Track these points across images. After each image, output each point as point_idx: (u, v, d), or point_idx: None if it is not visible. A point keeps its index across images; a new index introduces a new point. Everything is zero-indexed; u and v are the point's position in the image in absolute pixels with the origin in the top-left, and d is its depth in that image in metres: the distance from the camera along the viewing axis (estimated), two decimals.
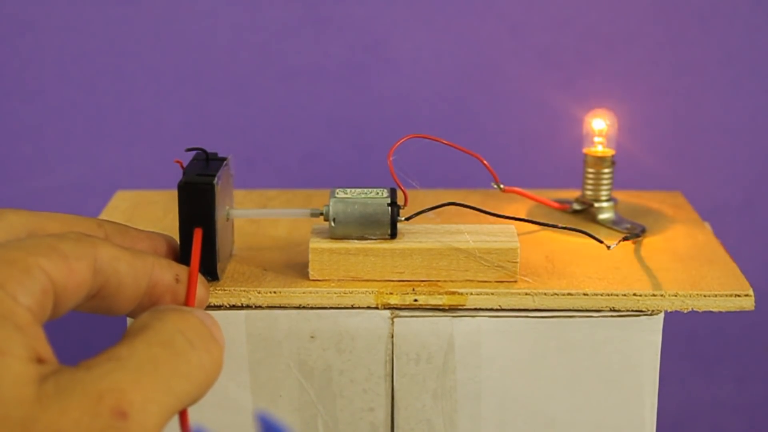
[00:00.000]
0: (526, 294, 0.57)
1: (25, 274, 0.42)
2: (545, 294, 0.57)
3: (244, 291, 0.57)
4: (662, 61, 0.85)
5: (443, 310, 0.57)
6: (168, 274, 0.50)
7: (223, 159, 0.58)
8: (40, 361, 0.40)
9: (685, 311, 0.57)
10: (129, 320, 0.57)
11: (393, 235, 0.58)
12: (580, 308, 0.57)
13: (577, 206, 0.68)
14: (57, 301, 0.43)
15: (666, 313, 0.57)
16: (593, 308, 0.57)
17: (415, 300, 0.57)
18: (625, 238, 0.63)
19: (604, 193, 0.67)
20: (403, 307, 0.57)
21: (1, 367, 0.39)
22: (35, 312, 0.42)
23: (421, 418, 0.59)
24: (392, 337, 0.58)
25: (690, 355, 0.91)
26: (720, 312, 0.57)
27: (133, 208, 0.69)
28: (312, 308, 0.57)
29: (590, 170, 0.68)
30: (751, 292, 0.57)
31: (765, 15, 0.84)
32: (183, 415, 0.45)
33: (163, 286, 0.49)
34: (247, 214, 0.62)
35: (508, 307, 0.57)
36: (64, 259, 0.44)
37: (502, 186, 0.64)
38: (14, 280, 0.41)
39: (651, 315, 0.57)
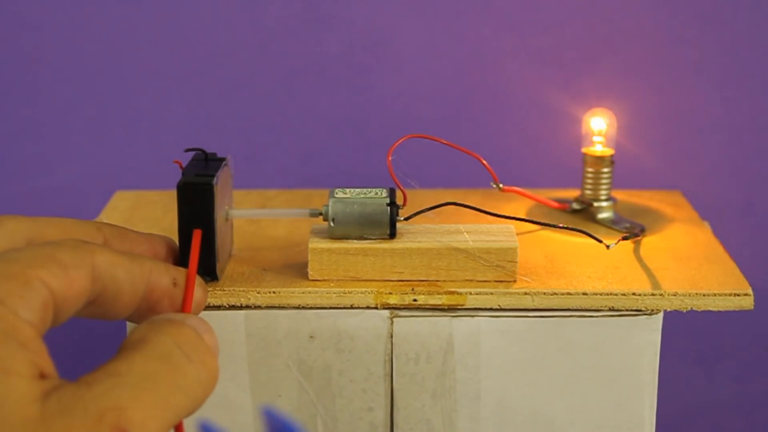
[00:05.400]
0: (526, 294, 0.57)
1: (25, 288, 0.42)
2: (544, 294, 0.57)
3: (244, 291, 0.57)
4: (662, 61, 0.85)
5: (442, 310, 0.57)
6: (165, 278, 0.50)
7: (222, 159, 0.58)
8: (42, 376, 0.41)
9: (685, 311, 0.57)
10: (128, 324, 0.57)
11: (392, 235, 0.58)
12: (580, 308, 0.57)
13: (576, 206, 0.68)
14: (56, 311, 0.43)
15: (665, 312, 0.57)
16: (592, 308, 0.57)
17: (415, 300, 0.57)
18: (625, 238, 0.63)
19: (603, 192, 0.67)
20: (402, 307, 0.57)
21: (6, 387, 0.39)
22: (36, 326, 0.42)
23: (420, 418, 0.59)
24: (391, 336, 0.58)
25: (689, 354, 0.91)
26: (719, 311, 0.57)
27: (132, 209, 0.69)
28: (311, 308, 0.57)
29: (589, 170, 0.68)
30: (750, 291, 0.57)
31: (765, 15, 0.84)
32: (179, 428, 0.46)
33: (161, 290, 0.50)
34: (247, 214, 0.62)
35: (508, 307, 0.57)
36: (62, 269, 0.44)
37: (501, 185, 0.64)
38: (15, 295, 0.41)
39: (650, 314, 0.57)
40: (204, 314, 0.54)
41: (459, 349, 0.58)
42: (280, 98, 0.86)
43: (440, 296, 0.57)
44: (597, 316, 0.57)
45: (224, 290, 0.57)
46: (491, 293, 0.57)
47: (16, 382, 0.40)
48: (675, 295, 0.57)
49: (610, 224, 0.67)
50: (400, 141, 0.59)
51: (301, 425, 0.58)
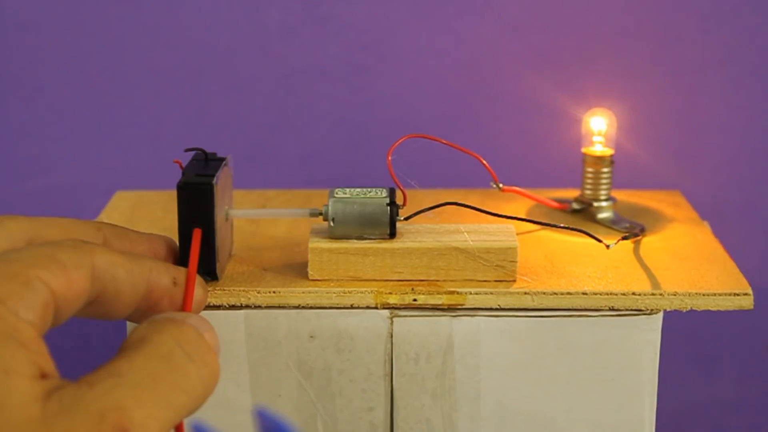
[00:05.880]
0: (526, 293, 0.57)
1: (25, 288, 0.42)
2: (544, 293, 0.57)
3: (244, 291, 0.57)
4: (662, 61, 0.85)
5: (442, 309, 0.57)
6: (165, 277, 0.50)
7: (222, 159, 0.58)
8: (43, 376, 0.41)
9: (684, 310, 0.57)
10: (129, 324, 0.57)
11: (392, 234, 0.58)
12: (580, 307, 0.57)
13: (576, 206, 0.68)
14: (57, 311, 0.43)
15: (665, 312, 0.57)
16: (592, 307, 0.57)
17: (414, 300, 0.57)
18: (624, 238, 0.63)
19: (603, 192, 0.67)
20: (402, 306, 0.57)
21: (8, 388, 0.39)
22: (37, 326, 0.42)
23: (420, 418, 0.59)
24: (391, 336, 0.58)
25: (689, 354, 0.91)
26: (719, 311, 0.57)
27: (132, 209, 0.69)
28: (311, 308, 0.57)
29: (589, 170, 0.68)
30: (750, 291, 0.57)
31: (765, 15, 0.84)
32: (179, 428, 0.46)
33: (161, 290, 0.50)
34: (247, 214, 0.62)
35: (508, 307, 0.57)
36: (62, 269, 0.44)
37: (501, 185, 0.64)
38: (15, 295, 0.41)
39: (650, 314, 0.57)
40: (204, 314, 0.54)
41: (459, 349, 0.58)
42: (280, 98, 0.86)
43: (440, 296, 0.57)
44: (597, 316, 0.57)
45: (224, 290, 0.57)
46: (491, 293, 0.57)
47: (17, 383, 0.40)
48: (675, 295, 0.57)
49: (610, 224, 0.67)
50: (400, 141, 0.59)
51: (294, 425, 0.58)
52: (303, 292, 0.57)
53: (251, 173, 0.86)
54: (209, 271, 0.56)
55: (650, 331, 0.57)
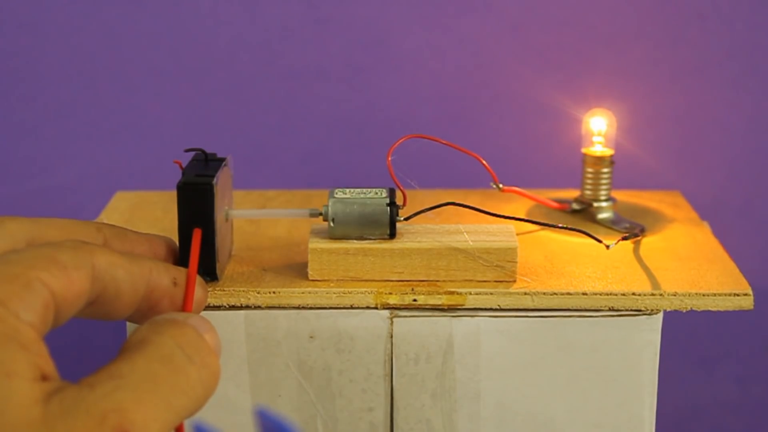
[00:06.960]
0: (525, 294, 0.57)
1: (26, 290, 0.42)
2: (544, 294, 0.57)
3: (244, 291, 0.57)
4: (662, 61, 0.85)
5: (442, 310, 0.57)
6: (165, 278, 0.50)
7: (222, 159, 0.58)
8: (44, 378, 0.41)
9: (684, 311, 0.57)
10: (129, 325, 0.57)
11: (392, 235, 0.58)
12: (579, 308, 0.57)
13: (576, 206, 0.68)
14: (57, 312, 0.43)
15: (665, 312, 0.57)
16: (592, 308, 0.57)
17: (414, 300, 0.57)
18: (624, 238, 0.63)
19: (603, 192, 0.67)
20: (402, 307, 0.57)
21: (9, 390, 0.39)
22: (38, 327, 0.42)
23: (420, 418, 0.59)
24: (391, 337, 0.58)
25: (689, 354, 0.91)
26: (719, 311, 0.57)
27: (132, 209, 0.69)
28: (311, 308, 0.57)
29: (589, 170, 0.68)
30: (750, 291, 0.57)
31: (765, 15, 0.84)
32: (179, 429, 0.46)
33: (161, 290, 0.50)
34: (247, 215, 0.62)
35: (507, 307, 0.57)
36: (62, 270, 0.44)
37: (501, 186, 0.64)
38: (16, 297, 0.41)
39: (650, 314, 0.57)
40: (204, 314, 0.54)
41: (459, 349, 0.58)
42: (280, 98, 0.86)
43: (440, 296, 0.57)
44: (597, 316, 0.57)
45: (224, 290, 0.57)
46: (491, 293, 0.57)
47: (18, 385, 0.40)
48: (675, 295, 0.57)
49: (609, 224, 0.67)
50: (400, 141, 0.59)
51: (296, 425, 0.58)
52: (303, 293, 0.57)
53: (251, 173, 0.86)
54: (209, 271, 0.56)
55: (650, 332, 0.57)
